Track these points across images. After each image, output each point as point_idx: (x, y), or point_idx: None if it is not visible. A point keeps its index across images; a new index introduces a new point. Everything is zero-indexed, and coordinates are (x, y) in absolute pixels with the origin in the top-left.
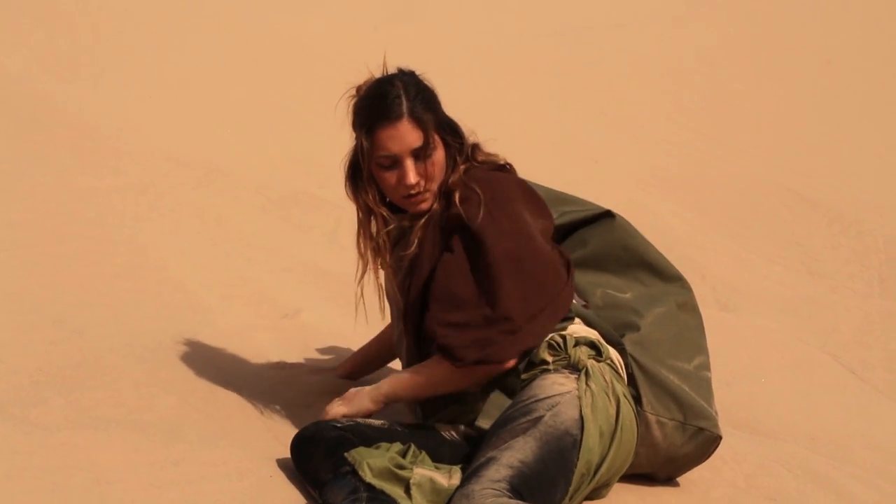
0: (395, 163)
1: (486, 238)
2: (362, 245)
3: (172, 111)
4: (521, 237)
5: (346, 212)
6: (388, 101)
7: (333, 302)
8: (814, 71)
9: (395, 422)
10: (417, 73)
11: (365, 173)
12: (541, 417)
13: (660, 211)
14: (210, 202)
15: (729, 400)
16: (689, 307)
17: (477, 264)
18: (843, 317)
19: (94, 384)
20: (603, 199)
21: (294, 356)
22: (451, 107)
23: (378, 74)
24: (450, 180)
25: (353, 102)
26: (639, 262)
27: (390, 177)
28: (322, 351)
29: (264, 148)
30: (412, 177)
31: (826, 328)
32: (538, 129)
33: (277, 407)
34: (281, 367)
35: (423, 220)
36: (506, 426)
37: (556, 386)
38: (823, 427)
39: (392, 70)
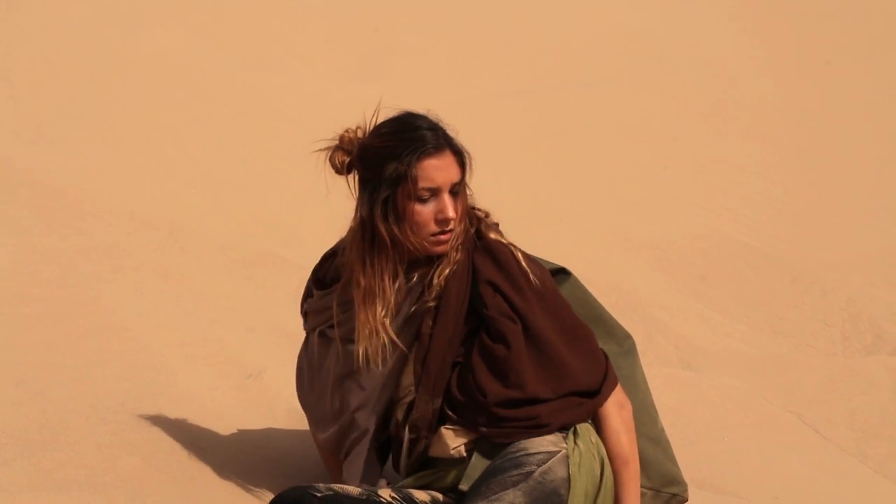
0: (433, 196)
1: (539, 313)
2: (373, 280)
3: (136, 171)
4: (564, 305)
5: (310, 272)
6: (425, 132)
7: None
8: (778, 124)
9: (373, 490)
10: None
11: (401, 207)
12: (531, 473)
13: (623, 270)
14: (174, 262)
15: (692, 459)
16: (640, 368)
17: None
18: (807, 375)
19: (56, 446)
20: (567, 258)
21: (258, 416)
22: None
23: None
24: (487, 231)
25: (370, 141)
26: (594, 318)
27: (425, 212)
28: (286, 411)
29: (228, 208)
30: (452, 210)
31: (789, 386)
32: (503, 187)
33: (240, 469)
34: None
35: (447, 271)
36: (496, 476)
37: (546, 442)
38: (787, 485)
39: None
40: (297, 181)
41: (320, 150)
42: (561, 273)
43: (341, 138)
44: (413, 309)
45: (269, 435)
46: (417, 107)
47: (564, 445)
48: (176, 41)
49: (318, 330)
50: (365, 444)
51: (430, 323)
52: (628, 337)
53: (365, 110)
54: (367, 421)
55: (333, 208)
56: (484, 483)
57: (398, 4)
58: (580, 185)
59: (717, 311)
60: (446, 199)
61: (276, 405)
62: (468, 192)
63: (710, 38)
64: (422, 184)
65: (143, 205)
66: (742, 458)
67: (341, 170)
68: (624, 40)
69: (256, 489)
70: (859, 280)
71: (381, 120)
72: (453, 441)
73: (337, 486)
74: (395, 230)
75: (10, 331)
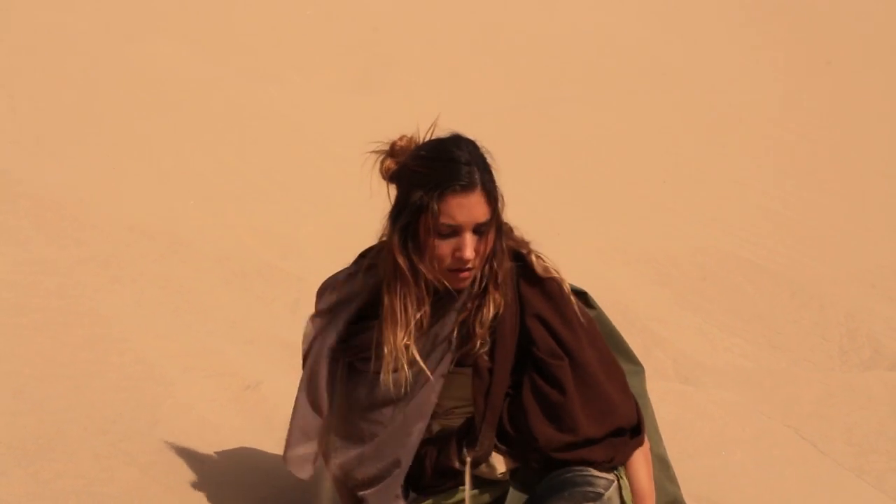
0: (454, 233)
1: (586, 347)
2: (402, 317)
3: (135, 182)
4: (602, 339)
5: (308, 283)
6: (459, 166)
7: (295, 374)
8: (777, 139)
9: None
10: (476, 142)
11: (422, 237)
12: (601, 494)
13: (621, 284)
14: (172, 273)
15: (690, 473)
16: (645, 389)
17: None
18: (804, 390)
19: (54, 456)
20: (565, 271)
21: (255, 428)
22: None
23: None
24: (536, 263)
25: (409, 159)
26: (606, 333)
27: (444, 246)
28: (283, 423)
29: (227, 219)
30: (469, 251)
31: (787, 401)
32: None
33: (238, 480)
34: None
35: (489, 318)
36: (576, 486)
37: (600, 472)
38: (784, 500)
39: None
40: (295, 193)
41: (373, 152)
42: (581, 293)
43: (393, 145)
44: (457, 355)
45: (266, 446)
46: (414, 118)
47: (614, 477)
48: (176, 53)
49: (346, 362)
50: (396, 475)
51: (487, 359)
52: (637, 361)
53: (363, 122)
54: (398, 452)
55: (332, 220)
56: (566, 489)
57: (397, 17)
58: (578, 198)
59: (715, 325)
60: (467, 238)
61: (274, 416)
62: (508, 227)
63: (710, 51)
64: (443, 219)
65: (141, 216)
66: (739, 472)
67: (385, 177)
68: (622, 54)
69: (253, 499)
70: (858, 295)
71: (436, 135)
72: (501, 465)
73: None
74: (415, 260)
75: (8, 341)
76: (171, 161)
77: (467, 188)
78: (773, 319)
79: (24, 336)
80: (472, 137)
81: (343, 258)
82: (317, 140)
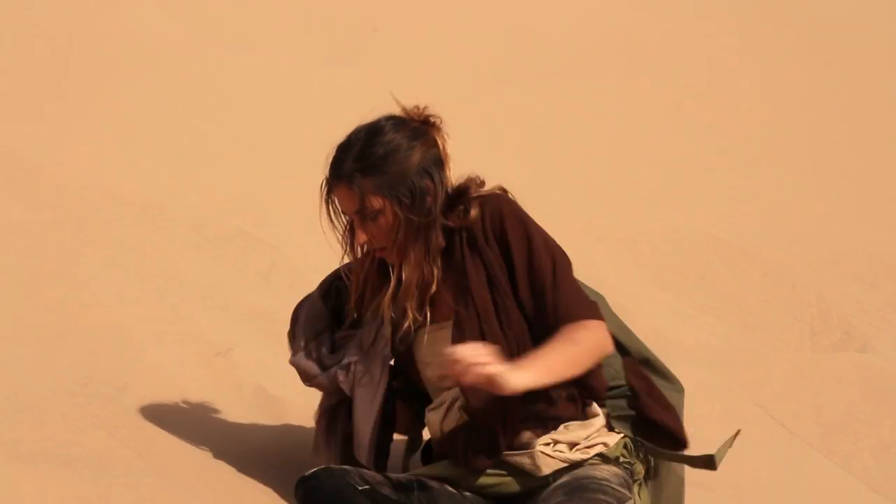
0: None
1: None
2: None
3: (110, 147)
4: None
5: (282, 252)
6: (337, 157)
7: (266, 341)
8: (751, 120)
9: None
10: (398, 116)
11: None
12: None
13: (595, 260)
14: (145, 238)
15: None
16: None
17: None
18: (774, 369)
19: (22, 417)
20: None
21: (225, 394)
22: None
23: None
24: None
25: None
26: (636, 353)
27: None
28: (253, 389)
29: (201, 186)
30: (360, 236)
31: (757, 380)
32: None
33: (206, 445)
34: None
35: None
36: (591, 493)
37: (622, 488)
38: (751, 478)
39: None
40: (270, 161)
41: None
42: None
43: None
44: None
45: (235, 412)
46: (397, 93)
47: (631, 496)
48: (154, 18)
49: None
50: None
51: (455, 311)
52: (676, 381)
53: (340, 92)
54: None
55: (306, 189)
56: (576, 495)
57: None
58: (553, 174)
59: (687, 303)
60: (356, 223)
61: (244, 383)
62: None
63: (691, 32)
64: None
65: (116, 180)
66: (707, 449)
67: None
68: (600, 32)
69: (221, 465)
70: (829, 276)
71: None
72: (548, 467)
73: (370, 475)
74: None
75: None
76: (146, 125)
77: (335, 181)
78: (745, 298)
79: None
80: (398, 116)
81: (317, 227)
82: (293, 109)
